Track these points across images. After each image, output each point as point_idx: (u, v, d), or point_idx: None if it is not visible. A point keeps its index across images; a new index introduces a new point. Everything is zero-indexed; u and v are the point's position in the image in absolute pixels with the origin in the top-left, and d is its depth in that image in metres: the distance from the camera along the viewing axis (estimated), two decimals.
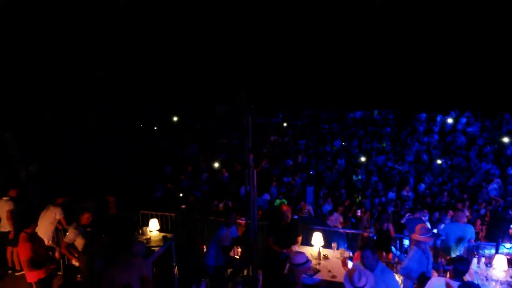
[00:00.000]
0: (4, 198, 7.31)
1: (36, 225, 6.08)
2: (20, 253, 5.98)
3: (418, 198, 11.59)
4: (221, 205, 10.18)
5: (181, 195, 10.66)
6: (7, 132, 9.40)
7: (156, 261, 6.55)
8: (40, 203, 7.81)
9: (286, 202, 10.31)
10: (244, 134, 6.37)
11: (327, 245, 6.46)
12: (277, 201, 10.59)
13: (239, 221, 7.24)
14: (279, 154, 15.22)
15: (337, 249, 6.35)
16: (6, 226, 7.25)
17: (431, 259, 5.44)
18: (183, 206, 9.06)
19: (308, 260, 4.63)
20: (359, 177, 12.80)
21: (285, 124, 17.74)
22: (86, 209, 6.36)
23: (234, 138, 17.18)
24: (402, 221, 9.24)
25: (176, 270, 7.07)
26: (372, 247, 4.65)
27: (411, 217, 8.10)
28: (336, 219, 8.91)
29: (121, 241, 5.43)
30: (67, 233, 6.28)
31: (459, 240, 6.66)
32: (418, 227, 5.38)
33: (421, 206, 9.61)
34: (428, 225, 8.62)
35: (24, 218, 6.62)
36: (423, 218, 8.55)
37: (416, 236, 5.30)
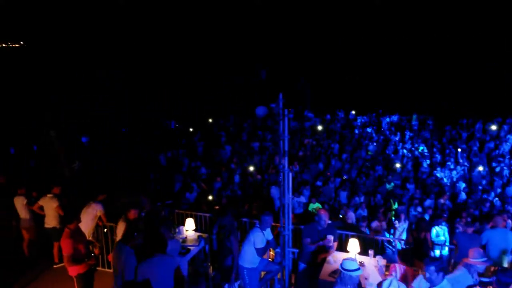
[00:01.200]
0: (49, 195, 7.65)
1: (79, 221, 6.30)
2: (63, 248, 6.21)
3: (457, 206, 11.18)
4: (254, 207, 10.21)
5: (210, 197, 10.75)
6: (52, 130, 9.83)
7: (191, 260, 6.67)
8: (81, 200, 8.13)
9: (320, 206, 10.26)
10: (280, 137, 6.39)
11: (363, 252, 6.35)
12: (311, 205, 10.52)
13: (273, 224, 7.24)
14: (311, 158, 15.11)
15: (374, 256, 6.22)
16: (51, 222, 7.59)
17: (477, 280, 5.16)
18: (217, 207, 9.18)
19: (358, 268, 4.51)
20: (392, 184, 12.51)
21: (319, 128, 17.58)
22: (133, 205, 6.55)
23: (268, 140, 17.18)
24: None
25: (210, 269, 7.16)
26: (436, 262, 4.45)
27: (462, 230, 7.73)
28: (378, 227, 8.76)
29: (156, 239, 5.54)
30: (118, 227, 6.48)
31: (503, 250, 6.38)
32: (471, 251, 5.13)
33: (447, 215, 9.31)
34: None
35: (67, 215, 6.91)
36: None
37: (469, 260, 5.06)
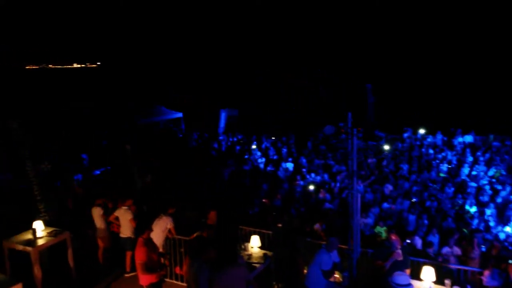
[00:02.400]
0: (124, 207, 8.10)
1: (151, 231, 6.60)
2: (136, 256, 6.53)
3: None
4: (317, 227, 10.03)
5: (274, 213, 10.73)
6: (127, 145, 10.47)
7: (256, 278, 6.67)
8: (152, 212, 8.52)
9: (386, 229, 9.84)
10: (349, 157, 6.27)
11: (438, 281, 5.95)
12: (378, 228, 10.13)
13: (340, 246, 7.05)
14: (377, 178, 14.59)
15: (451, 287, 5.81)
16: (126, 232, 8.02)
17: None
18: (279, 225, 9.13)
19: (410, 284, 4.29)
20: (466, 208, 11.67)
21: (386, 147, 16.97)
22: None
23: (331, 158, 16.92)
24: None
25: None
26: None
27: None
28: (449, 254, 8.20)
29: (228, 253, 5.62)
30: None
31: None
32: None
33: None
34: None
35: (139, 225, 7.27)
36: None
37: None
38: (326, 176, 15.01)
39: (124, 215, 8.00)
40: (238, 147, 19.93)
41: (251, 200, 12.39)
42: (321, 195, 12.77)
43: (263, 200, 11.94)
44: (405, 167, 15.34)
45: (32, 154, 8.23)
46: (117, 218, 8.12)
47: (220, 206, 10.45)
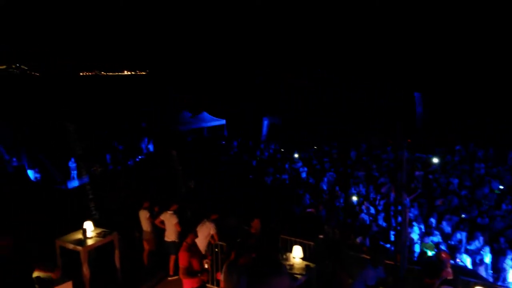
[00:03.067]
0: (169, 212, 8.30)
1: (196, 236, 6.71)
2: (180, 260, 6.67)
3: None
4: (359, 240, 9.79)
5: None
6: (174, 150, 10.75)
7: None
8: (195, 217, 8.67)
9: (433, 245, 9.45)
10: (397, 169, 6.07)
11: None
12: (423, 243, 9.72)
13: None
14: (424, 192, 14.03)
15: None
16: (170, 236, 8.21)
17: None
18: (321, 236, 8.99)
19: None
20: None
21: (435, 160, 16.29)
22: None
23: (374, 169, 16.48)
24: None
25: None
26: None
27: None
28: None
29: (271, 261, 5.58)
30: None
31: None
32: None
33: None
34: None
35: (184, 230, 7.40)
36: None
37: None
38: (370, 187, 14.65)
39: (170, 219, 8.20)
40: (279, 156, 19.92)
41: (292, 210, 12.32)
42: (364, 208, 12.48)
43: (308, 210, 11.80)
44: (455, 181, 14.66)
45: (85, 157, 8.65)
46: (162, 222, 8.33)
47: (262, 215, 10.48)
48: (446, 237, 10.69)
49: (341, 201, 13.29)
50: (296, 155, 19.20)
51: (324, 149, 21.08)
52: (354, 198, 13.20)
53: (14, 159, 15.77)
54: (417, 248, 9.85)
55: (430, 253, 9.21)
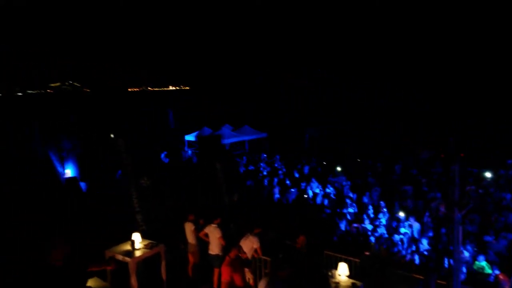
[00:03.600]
0: (213, 225, 8.39)
1: (239, 251, 6.73)
2: (222, 274, 6.71)
3: None
4: (406, 258, 9.41)
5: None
6: (218, 164, 10.92)
7: None
8: (238, 231, 8.71)
9: (488, 265, 8.88)
10: (449, 184, 5.81)
11: None
12: (477, 263, 9.17)
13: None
14: (477, 208, 13.29)
15: None
16: (214, 250, 8.28)
17: None
18: (367, 253, 8.73)
19: None
20: None
21: (488, 175, 15.45)
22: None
23: (424, 184, 15.86)
24: None
25: None
26: None
27: None
28: None
29: (317, 278, 5.50)
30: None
31: None
32: None
33: None
34: None
35: (227, 243, 7.44)
36: None
37: None
38: (419, 203, 14.10)
39: (213, 232, 8.28)
40: (319, 169, 19.65)
41: (336, 225, 12.08)
42: (411, 223, 12.00)
43: (355, 226, 11.54)
44: (508, 196, 13.81)
45: (134, 169, 8.97)
46: (206, 235, 8.43)
47: (306, 229, 10.37)
48: (501, 256, 10.05)
49: (387, 216, 12.89)
50: (338, 169, 18.87)
51: (368, 162, 20.58)
52: (401, 214, 12.73)
53: (66, 171, 16.65)
54: (470, 268, 9.32)
55: (485, 273, 8.68)
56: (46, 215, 10.62)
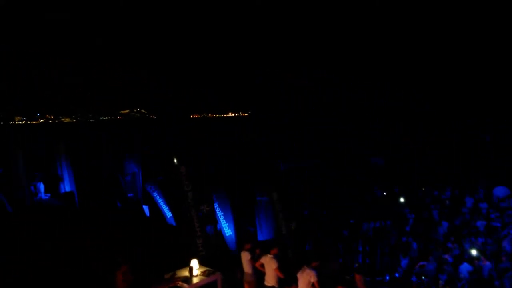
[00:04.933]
0: (269, 255, 8.29)
1: (297, 285, 6.58)
2: None
3: None
4: None
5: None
6: (273, 192, 10.90)
7: None
8: (296, 261, 8.53)
9: None
10: None
11: None
12: None
13: None
14: None
15: None
16: (270, 281, 8.16)
17: None
18: None
19: None
20: None
21: None
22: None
23: (496, 219, 14.65)
24: None
25: None
26: None
27: None
28: None
29: None
30: None
31: None
32: None
33: None
34: None
35: (284, 274, 7.29)
36: None
37: None
38: (489, 240, 12.99)
39: (270, 263, 8.18)
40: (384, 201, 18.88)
41: (397, 260, 11.45)
42: (482, 263, 11.03)
43: (421, 263, 10.86)
44: None
45: (195, 196, 9.22)
46: (262, 265, 8.34)
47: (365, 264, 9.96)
48: None
49: (456, 253, 11.98)
50: (401, 199, 18.01)
51: (434, 193, 19.45)
52: (473, 252, 11.76)
53: (131, 194, 17.54)
54: None
55: None
56: (111, 235, 11.15)
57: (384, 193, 20.24)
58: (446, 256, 11.55)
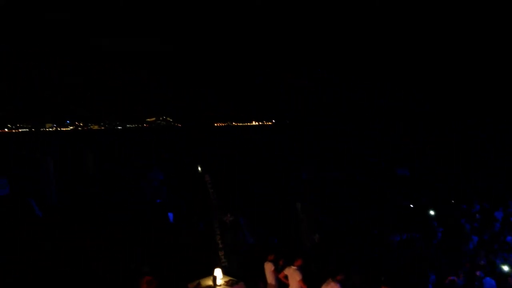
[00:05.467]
0: (293, 267, 8.22)
1: None
2: None
3: None
4: None
5: None
6: (298, 203, 10.84)
7: None
8: (321, 273, 8.41)
9: None
10: None
11: None
12: None
13: None
14: None
15: None
16: None
17: None
18: None
19: None
20: None
21: None
22: None
23: None
24: None
25: None
26: None
27: None
28: None
29: None
30: None
31: None
32: None
33: None
34: None
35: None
36: None
37: None
38: None
39: (293, 274, 8.10)
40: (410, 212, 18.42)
41: (425, 274, 11.10)
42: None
43: (451, 278, 10.52)
44: None
45: (218, 205, 9.27)
46: (286, 277, 8.27)
47: (391, 279, 9.71)
48: None
49: (488, 269, 11.55)
50: (431, 212, 17.54)
51: (462, 207, 18.87)
52: (505, 268, 11.31)
53: (159, 200, 17.81)
54: None
55: None
56: (136, 241, 11.33)
57: (411, 205, 19.78)
58: (478, 273, 11.14)
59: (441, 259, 12.33)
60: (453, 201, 19.64)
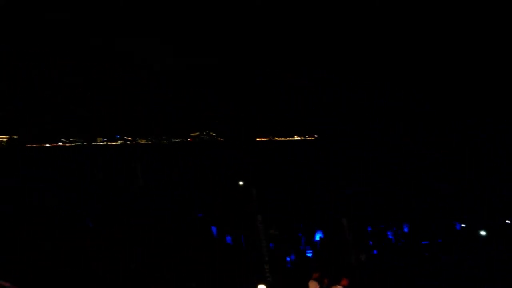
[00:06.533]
0: (339, 286, 7.95)
1: None
2: None
3: None
4: None
5: None
6: (344, 219, 10.54)
7: None
8: None
9: None
10: None
11: None
12: None
13: None
14: None
15: None
16: None
17: None
18: None
19: None
20: None
21: None
22: None
23: None
24: None
25: None
26: None
27: None
28: None
29: None
30: None
31: None
32: None
33: None
34: None
35: None
36: None
37: None
38: None
39: None
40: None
41: None
42: None
43: None
44: None
45: (264, 219, 9.21)
46: None
47: None
48: None
49: None
50: (482, 233, 16.50)
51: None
52: None
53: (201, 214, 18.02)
54: None
55: None
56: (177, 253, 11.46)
57: (463, 225, 18.69)
58: None
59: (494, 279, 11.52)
60: (508, 221, 18.35)
